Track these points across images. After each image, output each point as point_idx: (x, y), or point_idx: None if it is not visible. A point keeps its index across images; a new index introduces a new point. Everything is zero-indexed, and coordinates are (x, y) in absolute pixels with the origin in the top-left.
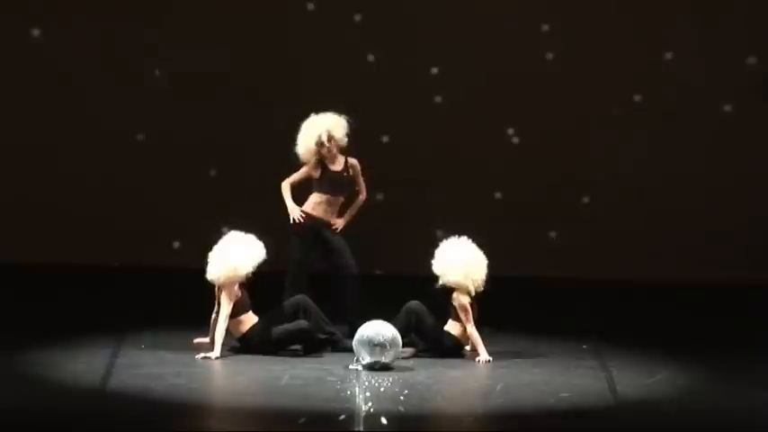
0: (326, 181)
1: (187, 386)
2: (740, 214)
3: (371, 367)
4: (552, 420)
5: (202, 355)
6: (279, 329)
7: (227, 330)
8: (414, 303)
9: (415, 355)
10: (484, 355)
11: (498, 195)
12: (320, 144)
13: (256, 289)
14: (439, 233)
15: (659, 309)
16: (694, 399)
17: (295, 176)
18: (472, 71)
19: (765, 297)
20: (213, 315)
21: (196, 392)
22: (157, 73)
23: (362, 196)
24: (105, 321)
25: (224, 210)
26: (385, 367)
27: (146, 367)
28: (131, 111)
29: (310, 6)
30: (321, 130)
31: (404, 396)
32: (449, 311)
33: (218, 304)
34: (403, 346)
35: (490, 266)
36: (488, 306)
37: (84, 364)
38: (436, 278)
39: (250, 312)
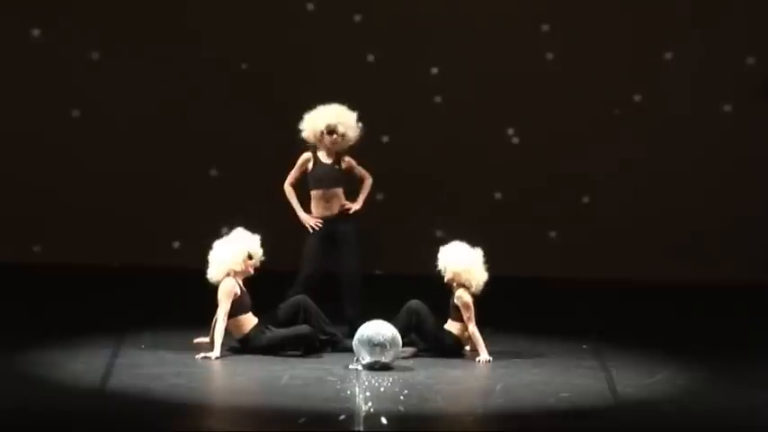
0: (318, 174)
1: (187, 386)
2: (740, 214)
3: (371, 367)
4: (552, 420)
5: (202, 355)
6: (279, 334)
7: (228, 331)
8: (414, 303)
9: (415, 355)
10: (484, 354)
11: (498, 195)
12: (329, 131)
13: (256, 289)
14: (439, 233)
15: (659, 309)
16: (694, 399)
17: (293, 174)
18: (472, 71)
19: (765, 297)
20: (215, 316)
21: (196, 392)
22: (158, 73)
23: (368, 179)
24: (105, 321)
25: (224, 210)
26: (385, 367)
27: (146, 367)
28: (131, 111)
29: (310, 6)
30: (340, 120)
31: (404, 396)
32: (449, 311)
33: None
34: (403, 346)
35: (490, 266)
36: (488, 306)
37: (84, 364)
38: (440, 274)
39: (250, 313)
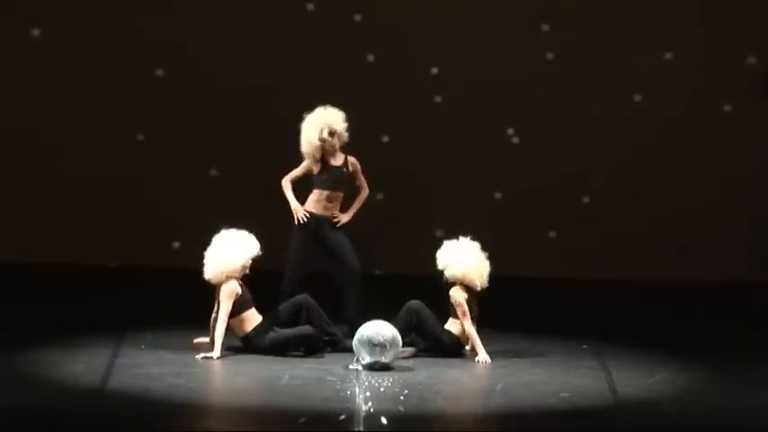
0: (326, 176)
1: (187, 386)
2: (740, 214)
3: (371, 367)
4: (552, 420)
5: (202, 354)
6: (282, 335)
7: (230, 329)
8: (414, 303)
9: (415, 355)
10: (481, 354)
11: (498, 195)
12: (323, 139)
13: (256, 288)
14: (439, 233)
15: (659, 309)
16: (694, 399)
17: (295, 172)
18: (472, 71)
19: (765, 297)
20: (213, 315)
21: (196, 392)
22: (158, 73)
23: (365, 191)
24: (105, 321)
25: (224, 210)
26: (385, 367)
27: (145, 367)
28: (131, 111)
29: (310, 6)
30: (323, 124)
31: (404, 396)
32: (449, 310)
33: (218, 304)
34: (403, 346)
35: (490, 267)
36: (488, 306)
37: (84, 364)
38: (441, 272)
39: (253, 310)
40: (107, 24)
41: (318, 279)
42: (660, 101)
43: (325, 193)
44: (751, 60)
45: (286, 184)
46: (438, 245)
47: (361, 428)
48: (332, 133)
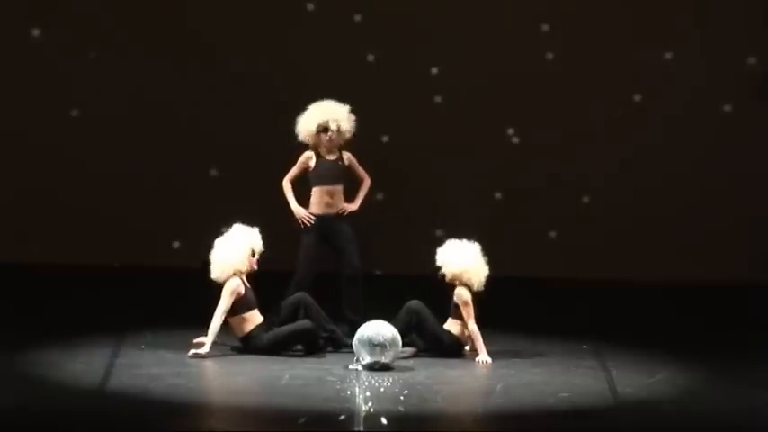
0: (322, 171)
1: (186, 386)
2: (740, 214)
3: (371, 367)
4: (552, 420)
5: (192, 351)
6: (281, 332)
7: (231, 329)
8: (414, 303)
9: (415, 355)
10: (483, 355)
11: (498, 195)
12: (323, 129)
13: (258, 288)
14: (439, 233)
15: (659, 309)
16: (694, 399)
17: (293, 171)
18: (472, 71)
19: (765, 297)
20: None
21: (196, 392)
22: (158, 73)
23: (367, 180)
24: (105, 321)
25: (224, 210)
26: (385, 367)
27: (145, 367)
28: (131, 111)
29: (310, 6)
30: (330, 116)
31: (404, 396)
32: (449, 310)
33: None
34: (403, 346)
35: (490, 266)
36: (488, 306)
37: (84, 364)
38: (439, 270)
39: (255, 310)
40: (105, 24)
41: (319, 279)
42: (660, 101)
43: (325, 188)
44: (751, 60)
45: (286, 185)
46: (438, 245)
47: (361, 428)
48: (336, 129)
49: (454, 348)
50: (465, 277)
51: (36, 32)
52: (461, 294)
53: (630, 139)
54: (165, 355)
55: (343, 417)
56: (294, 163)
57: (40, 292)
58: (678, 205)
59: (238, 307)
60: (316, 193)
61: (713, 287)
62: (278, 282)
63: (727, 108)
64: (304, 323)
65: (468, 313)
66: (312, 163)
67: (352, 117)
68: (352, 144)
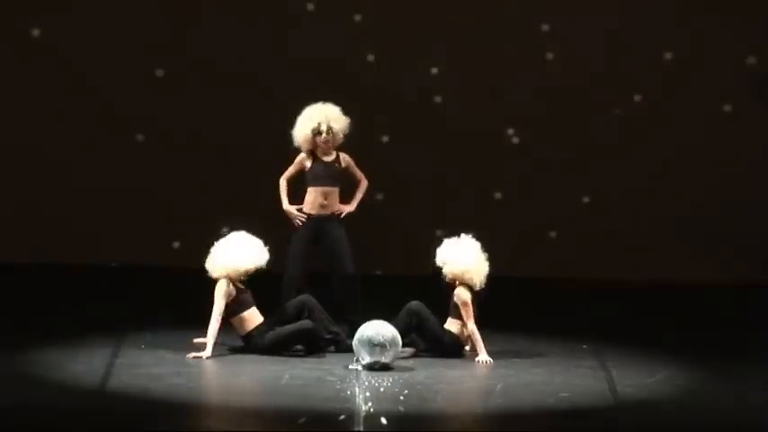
0: (318, 172)
1: (187, 386)
2: (740, 214)
3: (371, 367)
4: (552, 420)
5: (193, 354)
6: (282, 332)
7: (232, 329)
8: (414, 303)
9: (415, 355)
10: (482, 355)
11: (498, 195)
12: (317, 132)
13: (257, 289)
14: (439, 233)
15: (659, 309)
16: (694, 399)
17: (290, 171)
18: (472, 71)
19: (765, 297)
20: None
21: (196, 392)
22: (158, 74)
23: (364, 182)
24: (105, 321)
25: (224, 210)
26: (385, 367)
27: (145, 367)
28: (131, 111)
29: (310, 6)
30: (322, 118)
31: (404, 396)
32: (449, 310)
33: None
34: (403, 346)
35: (490, 266)
36: (488, 306)
37: (84, 364)
38: (439, 269)
39: (254, 309)
40: (106, 24)
41: (318, 279)
42: (660, 101)
43: (320, 189)
44: (751, 60)
45: (282, 185)
46: (438, 245)
47: (361, 428)
48: (328, 130)
49: (454, 348)
50: (466, 277)
51: (36, 32)
52: (461, 295)
53: (630, 139)
54: (165, 355)
55: (343, 417)
56: (292, 163)
57: (40, 292)
58: (678, 205)
59: (235, 308)
60: (310, 193)
61: (713, 287)
62: (277, 283)
63: (727, 108)
64: (305, 323)
65: (468, 313)
66: (308, 163)
67: (345, 117)
68: (353, 144)
